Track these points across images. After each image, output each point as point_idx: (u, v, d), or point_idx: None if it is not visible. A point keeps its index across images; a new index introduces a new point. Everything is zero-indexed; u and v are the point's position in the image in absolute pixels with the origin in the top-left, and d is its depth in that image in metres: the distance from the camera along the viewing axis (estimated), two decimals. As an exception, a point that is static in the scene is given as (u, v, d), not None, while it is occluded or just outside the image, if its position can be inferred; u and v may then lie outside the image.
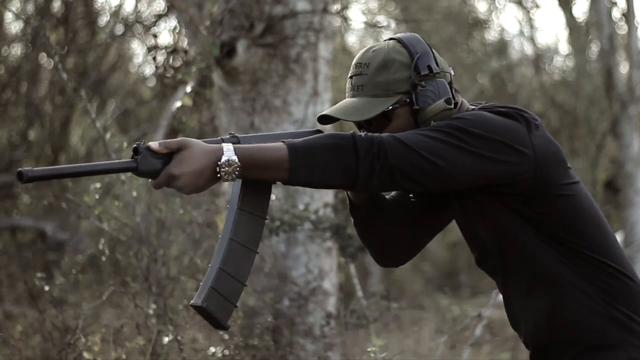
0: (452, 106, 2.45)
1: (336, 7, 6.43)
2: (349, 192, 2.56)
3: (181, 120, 5.68)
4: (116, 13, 11.81)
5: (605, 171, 12.92)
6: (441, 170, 2.33)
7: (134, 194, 5.30)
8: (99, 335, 4.92)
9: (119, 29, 11.95)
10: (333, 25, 6.07)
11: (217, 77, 5.79)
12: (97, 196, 5.25)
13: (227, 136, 2.36)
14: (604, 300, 2.40)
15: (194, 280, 5.31)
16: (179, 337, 4.75)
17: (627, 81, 10.53)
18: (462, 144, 2.34)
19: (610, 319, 2.40)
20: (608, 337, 2.40)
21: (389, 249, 2.64)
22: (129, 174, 5.23)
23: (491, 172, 2.36)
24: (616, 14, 11.02)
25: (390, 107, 2.46)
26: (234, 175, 2.24)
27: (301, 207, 5.55)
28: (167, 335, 4.85)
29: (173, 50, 9.07)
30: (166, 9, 11.14)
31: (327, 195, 5.76)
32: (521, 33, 14.38)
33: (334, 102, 5.46)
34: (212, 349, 5.05)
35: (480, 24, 14.26)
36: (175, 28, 10.35)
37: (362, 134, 2.32)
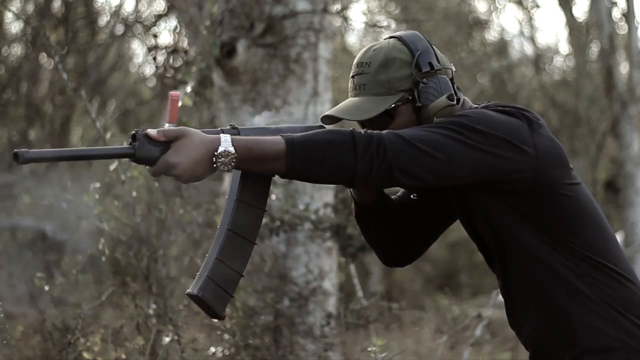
0: (455, 102, 2.45)
1: (336, 7, 6.43)
2: (353, 192, 2.56)
3: (181, 120, 5.67)
4: (116, 13, 11.82)
5: (605, 171, 12.93)
6: (441, 164, 2.32)
7: (134, 194, 5.30)
8: (99, 335, 4.92)
9: (119, 29, 11.96)
10: (333, 26, 6.07)
11: (217, 77, 5.79)
12: (97, 196, 5.25)
13: (228, 127, 2.36)
14: (604, 302, 2.40)
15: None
16: (178, 337, 4.75)
17: (627, 81, 10.52)
18: (464, 138, 2.34)
19: (609, 321, 2.40)
20: (607, 339, 2.39)
21: (393, 249, 2.64)
22: (129, 173, 5.25)
23: (492, 167, 2.36)
24: (616, 14, 11.01)
25: (393, 105, 2.46)
26: (230, 166, 2.25)
27: (301, 207, 5.55)
28: (167, 335, 4.85)
29: (173, 50, 9.07)
30: (166, 9, 11.15)
31: (327, 195, 5.75)
32: (521, 33, 14.39)
33: (334, 102, 5.46)
34: (212, 349, 5.05)
35: (480, 24, 14.26)
36: (175, 28, 10.35)
37: (362, 131, 2.32)
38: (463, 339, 6.08)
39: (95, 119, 5.44)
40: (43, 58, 11.16)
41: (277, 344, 5.34)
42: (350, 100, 2.50)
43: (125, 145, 2.25)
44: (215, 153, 2.23)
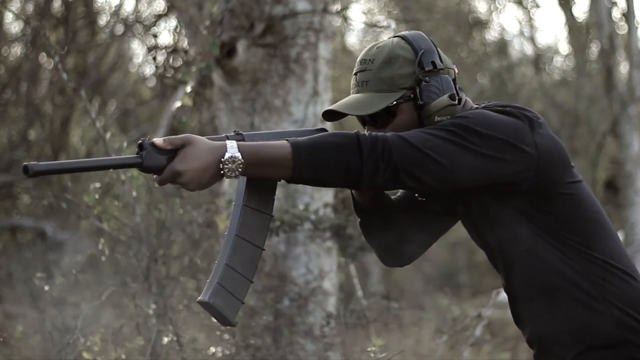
0: (456, 102, 2.46)
1: (336, 7, 6.43)
2: (353, 192, 2.57)
3: (181, 120, 5.68)
4: (116, 13, 11.82)
5: (605, 171, 12.93)
6: (445, 169, 2.33)
7: (134, 194, 5.29)
8: (99, 335, 4.92)
9: (119, 29, 11.96)
10: (333, 26, 6.07)
11: (217, 77, 5.79)
12: (97, 196, 5.25)
13: (232, 133, 2.36)
14: (607, 300, 2.41)
15: (194, 280, 5.31)
16: (178, 337, 4.75)
17: (627, 81, 10.53)
18: (466, 142, 2.34)
19: (612, 318, 2.40)
20: (610, 336, 2.40)
21: (393, 249, 2.64)
22: (129, 173, 5.25)
23: (494, 171, 2.37)
24: (616, 14, 11.02)
25: (395, 102, 2.47)
26: (237, 172, 2.25)
27: (301, 207, 5.55)
28: (167, 335, 4.85)
29: (173, 50, 9.08)
30: (166, 9, 11.14)
31: (327, 195, 5.75)
32: (521, 33, 14.39)
33: (334, 102, 5.45)
34: (212, 349, 5.04)
35: (480, 24, 14.26)
36: (175, 28, 10.36)
37: (367, 132, 2.32)
38: (463, 339, 6.08)
39: (95, 119, 5.44)
40: (43, 58, 11.16)
41: (277, 344, 5.34)
42: (353, 96, 2.51)
43: (132, 155, 2.25)
44: (222, 160, 2.24)
